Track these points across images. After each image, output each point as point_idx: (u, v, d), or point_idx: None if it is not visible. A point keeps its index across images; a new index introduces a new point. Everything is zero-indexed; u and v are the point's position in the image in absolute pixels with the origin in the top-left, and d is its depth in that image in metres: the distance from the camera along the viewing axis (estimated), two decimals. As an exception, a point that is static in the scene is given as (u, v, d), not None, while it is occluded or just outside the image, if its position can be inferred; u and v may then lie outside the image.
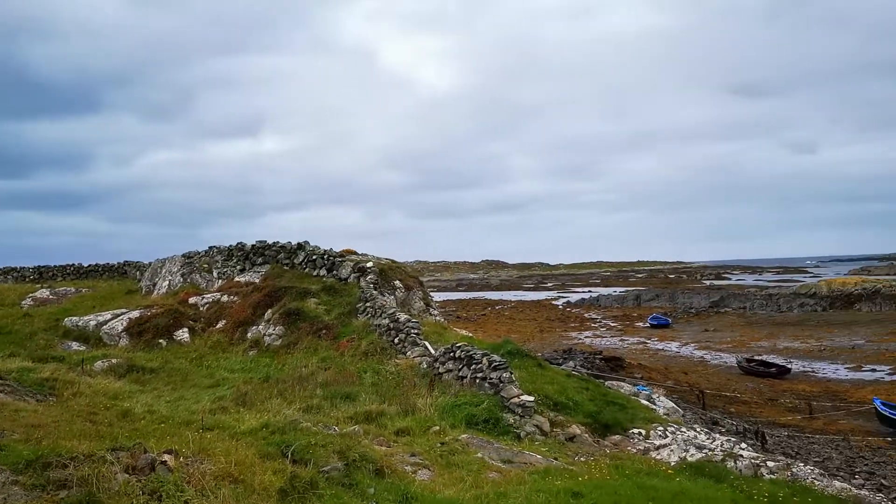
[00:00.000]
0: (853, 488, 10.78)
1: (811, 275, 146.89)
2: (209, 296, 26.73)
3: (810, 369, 37.15)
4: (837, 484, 10.52)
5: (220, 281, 29.34)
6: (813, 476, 10.45)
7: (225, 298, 25.87)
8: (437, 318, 24.44)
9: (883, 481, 15.73)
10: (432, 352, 17.08)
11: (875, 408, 23.44)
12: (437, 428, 11.98)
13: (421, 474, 9.34)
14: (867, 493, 11.01)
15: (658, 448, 11.62)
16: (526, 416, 12.88)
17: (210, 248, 32.08)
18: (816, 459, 17.69)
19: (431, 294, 31.68)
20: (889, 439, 20.94)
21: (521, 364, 16.43)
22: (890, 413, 22.61)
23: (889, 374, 34.68)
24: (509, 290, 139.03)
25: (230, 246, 31.01)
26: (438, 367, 15.97)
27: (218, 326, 24.01)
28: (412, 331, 18.48)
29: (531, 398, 13.11)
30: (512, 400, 13.06)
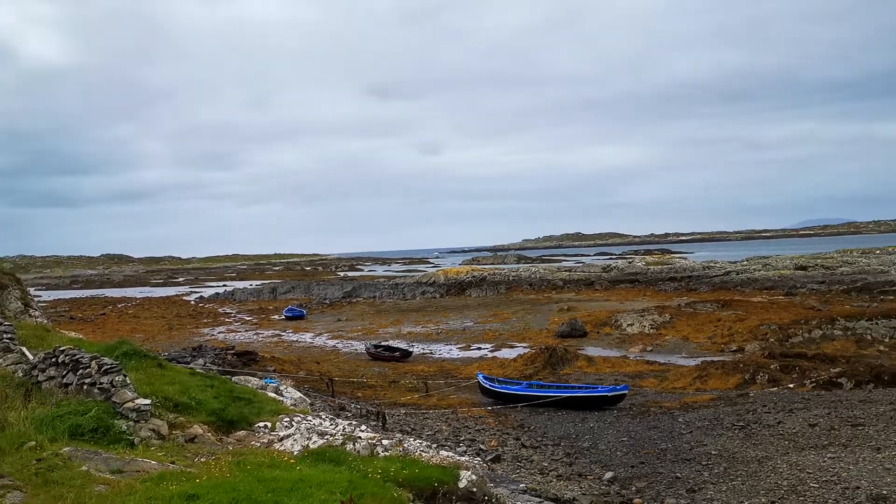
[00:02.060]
0: (456, 455, 11.94)
1: (433, 265, 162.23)
2: None
3: (429, 351, 40.84)
4: (443, 453, 11.55)
5: None
6: (422, 448, 11.34)
7: None
8: (40, 319, 21.54)
9: (481, 446, 17.88)
10: (30, 358, 14.91)
11: (478, 381, 26.52)
12: (34, 443, 10.48)
13: (11, 498, 8.07)
14: (468, 458, 12.30)
15: (282, 439, 11.60)
16: (141, 420, 11.90)
17: None
18: (429, 433, 19.41)
19: (38, 293, 27.87)
20: (489, 408, 23.86)
21: (139, 365, 15.20)
22: (490, 385, 25.76)
23: (491, 350, 39.68)
24: (135, 286, 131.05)
25: None
26: (38, 375, 13.98)
27: None
28: (4, 335, 15.96)
29: (147, 401, 12.14)
30: (125, 405, 11.96)
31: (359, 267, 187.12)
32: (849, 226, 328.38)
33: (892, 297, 49.84)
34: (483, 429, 20.72)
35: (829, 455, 15.49)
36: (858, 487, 13.33)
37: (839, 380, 24.13)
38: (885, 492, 12.95)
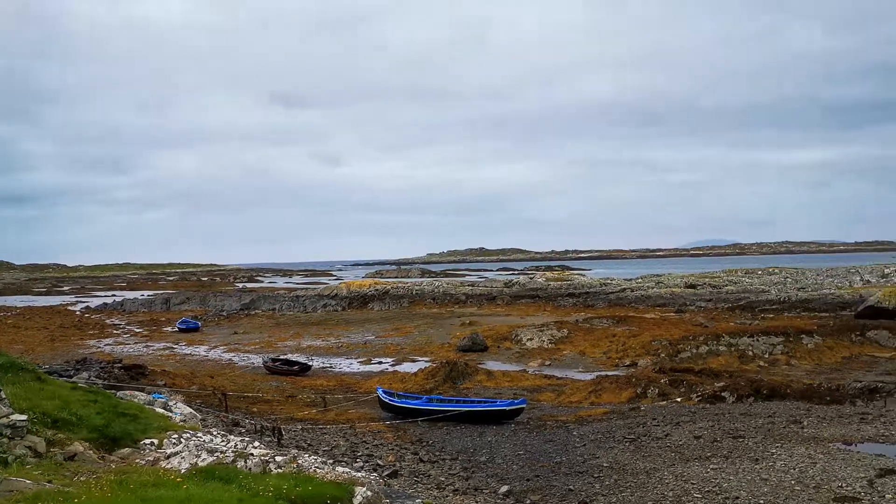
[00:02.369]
0: (353, 471, 11.78)
1: (335, 277, 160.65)
2: None
3: (329, 365, 40.25)
4: (339, 469, 11.37)
5: None
6: (317, 465, 11.13)
7: None
8: None
9: (378, 461, 17.73)
10: None
11: (378, 396, 26.32)
12: None
13: None
14: (364, 473, 12.15)
15: (169, 457, 11.12)
16: (16, 437, 11.16)
17: None
18: (325, 448, 19.09)
19: None
20: (388, 423, 23.72)
21: (16, 379, 14.31)
22: (389, 399, 25.62)
23: (392, 364, 39.48)
24: (15, 294, 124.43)
25: None
26: None
27: None
28: None
29: (23, 417, 11.40)
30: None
31: (258, 278, 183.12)
32: (735, 247, 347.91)
33: (771, 315, 53.00)
34: (381, 444, 20.56)
35: (711, 466, 16.23)
36: (738, 497, 14.00)
37: (723, 394, 25.32)
38: (761, 501, 13.66)
